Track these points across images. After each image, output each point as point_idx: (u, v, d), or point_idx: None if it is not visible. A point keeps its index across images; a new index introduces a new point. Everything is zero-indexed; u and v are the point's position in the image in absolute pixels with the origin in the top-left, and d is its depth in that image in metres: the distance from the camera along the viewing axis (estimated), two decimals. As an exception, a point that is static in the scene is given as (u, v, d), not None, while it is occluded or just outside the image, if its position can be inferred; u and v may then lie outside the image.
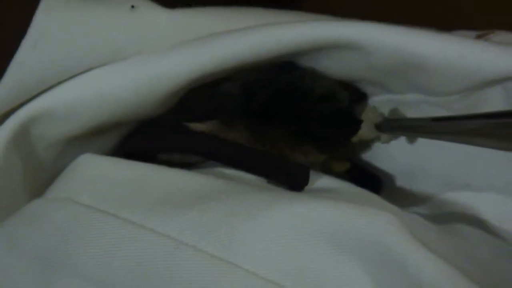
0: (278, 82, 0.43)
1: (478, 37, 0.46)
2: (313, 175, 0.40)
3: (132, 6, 0.39)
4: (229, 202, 0.33)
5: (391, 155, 0.50)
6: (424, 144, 0.47)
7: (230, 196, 0.34)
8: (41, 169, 0.41)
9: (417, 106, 0.46)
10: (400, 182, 0.50)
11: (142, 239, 0.31)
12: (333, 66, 0.44)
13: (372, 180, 0.50)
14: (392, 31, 0.39)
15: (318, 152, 0.45)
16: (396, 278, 0.30)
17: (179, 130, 0.43)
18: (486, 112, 0.35)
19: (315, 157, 0.45)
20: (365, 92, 0.48)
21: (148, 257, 0.30)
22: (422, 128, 0.41)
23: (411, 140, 0.48)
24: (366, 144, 0.50)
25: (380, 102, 0.48)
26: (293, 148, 0.44)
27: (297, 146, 0.44)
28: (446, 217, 0.45)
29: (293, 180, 0.40)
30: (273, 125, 0.44)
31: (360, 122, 0.45)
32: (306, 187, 0.39)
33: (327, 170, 0.46)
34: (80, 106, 0.39)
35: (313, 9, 0.45)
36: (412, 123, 0.43)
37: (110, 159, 0.38)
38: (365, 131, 0.44)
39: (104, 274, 0.30)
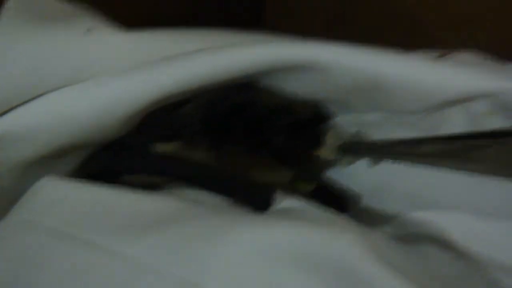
0: (236, 99, 0.43)
1: (439, 56, 0.46)
2: (278, 195, 0.40)
3: (88, 29, 0.39)
4: (192, 225, 0.33)
5: (357, 174, 0.50)
6: (389, 163, 0.47)
7: (194, 218, 0.34)
8: (1, 193, 0.40)
9: (381, 125, 0.46)
10: (367, 201, 0.50)
11: (104, 262, 0.31)
12: (295, 86, 0.44)
13: (338, 200, 0.50)
14: (352, 52, 0.39)
15: (283, 170, 0.45)
16: None
17: (142, 151, 0.43)
18: (444, 135, 0.35)
19: (281, 176, 0.45)
20: (327, 113, 0.48)
21: (112, 281, 0.30)
22: (384, 151, 0.40)
23: (373, 162, 0.48)
24: (331, 164, 0.49)
25: (344, 122, 0.48)
26: (258, 166, 0.44)
27: (261, 163, 0.44)
28: (413, 237, 0.44)
29: (257, 201, 0.39)
30: (235, 142, 0.43)
31: (318, 136, 0.45)
32: (271, 208, 0.39)
33: (293, 190, 0.45)
34: (39, 129, 0.38)
35: (275, 30, 0.45)
36: (373, 145, 0.43)
37: (72, 181, 0.38)
38: (326, 151, 0.44)
39: None
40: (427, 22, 0.58)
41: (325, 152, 0.44)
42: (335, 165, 0.50)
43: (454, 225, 0.43)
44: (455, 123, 0.41)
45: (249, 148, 0.44)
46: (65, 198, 0.36)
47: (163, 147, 0.42)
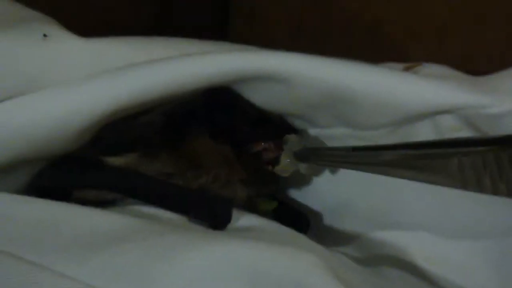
0: (196, 101, 0.42)
1: (406, 69, 0.46)
2: (236, 213, 0.39)
3: (44, 35, 0.37)
4: (145, 244, 0.32)
5: (318, 192, 0.49)
6: (350, 181, 0.46)
7: (146, 237, 0.33)
8: None
9: (344, 141, 0.45)
10: (328, 220, 0.49)
11: (49, 283, 0.29)
12: (258, 98, 0.43)
13: (299, 219, 0.49)
14: (316, 63, 0.39)
15: (239, 185, 0.44)
16: None
17: (94, 166, 0.41)
18: (405, 142, 0.35)
19: (238, 191, 0.44)
20: (295, 128, 0.47)
21: None
22: (342, 158, 0.39)
23: (332, 171, 0.47)
24: (291, 179, 0.48)
25: (307, 136, 0.47)
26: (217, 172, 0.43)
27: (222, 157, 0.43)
28: (374, 257, 0.44)
29: (214, 217, 0.38)
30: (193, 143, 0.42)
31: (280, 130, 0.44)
32: (229, 226, 0.38)
33: (253, 209, 0.44)
34: None
35: (239, 38, 0.44)
36: (332, 152, 0.42)
37: (18, 198, 0.36)
38: (286, 161, 0.42)
39: None
40: (394, 33, 0.58)
41: (283, 161, 0.43)
42: (296, 179, 0.50)
43: (416, 245, 0.43)
44: (423, 137, 0.41)
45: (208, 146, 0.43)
46: (9, 216, 0.34)
47: (117, 160, 0.41)
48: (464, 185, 0.30)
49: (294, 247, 0.32)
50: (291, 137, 0.43)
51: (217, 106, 0.42)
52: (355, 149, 0.37)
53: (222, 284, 0.30)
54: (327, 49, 0.40)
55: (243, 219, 0.40)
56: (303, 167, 0.43)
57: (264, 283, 0.30)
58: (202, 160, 0.42)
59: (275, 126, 0.46)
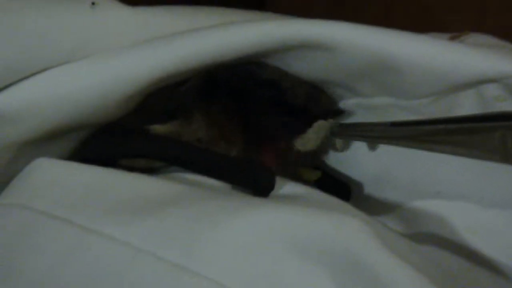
0: (239, 70, 0.42)
1: (451, 38, 0.45)
2: (279, 180, 0.39)
3: (93, 3, 0.38)
4: (191, 209, 0.32)
5: (358, 163, 0.49)
6: (391, 151, 0.46)
7: (192, 202, 0.33)
8: None
9: (386, 110, 0.45)
10: (368, 190, 0.49)
11: (98, 246, 0.30)
12: (302, 67, 0.43)
13: (341, 188, 0.49)
14: (363, 31, 0.38)
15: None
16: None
17: (140, 134, 0.42)
18: (445, 117, 0.34)
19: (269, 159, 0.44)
20: (342, 109, 0.47)
21: (104, 266, 0.29)
22: (380, 134, 0.39)
23: (371, 146, 0.47)
24: (327, 151, 0.48)
25: (348, 105, 0.47)
26: (245, 141, 0.43)
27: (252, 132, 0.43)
28: (416, 226, 0.44)
29: (258, 185, 0.39)
30: (225, 110, 0.42)
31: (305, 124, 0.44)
32: (272, 193, 0.38)
33: (297, 177, 0.44)
34: (34, 109, 0.36)
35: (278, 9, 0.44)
36: (369, 128, 0.42)
37: (66, 163, 0.37)
38: (310, 138, 0.42)
39: (56, 283, 0.29)
40: (434, 5, 0.57)
41: (307, 137, 0.42)
42: (336, 151, 0.50)
43: (457, 215, 0.43)
44: (467, 107, 0.40)
45: (232, 116, 0.43)
46: (58, 181, 0.35)
47: (162, 129, 0.41)
48: (506, 159, 0.30)
49: (340, 213, 0.32)
50: (322, 121, 0.43)
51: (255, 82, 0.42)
52: (394, 124, 0.37)
53: (268, 250, 0.30)
54: (366, 21, 0.40)
55: (286, 187, 0.40)
56: (339, 143, 0.43)
57: (311, 249, 0.30)
58: (230, 135, 0.43)
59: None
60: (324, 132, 0.43)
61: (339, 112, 0.46)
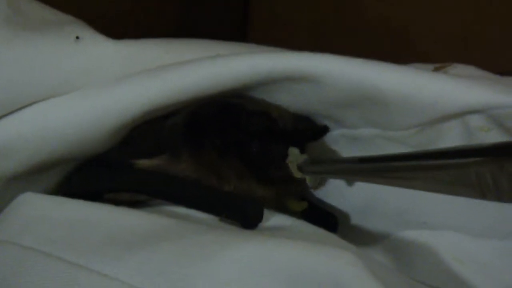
0: (219, 102, 0.42)
1: (436, 69, 0.46)
2: (266, 213, 0.39)
3: (77, 37, 0.38)
4: (181, 243, 0.32)
5: (344, 193, 0.49)
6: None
7: (182, 236, 0.33)
8: None
9: (372, 141, 0.45)
10: (355, 220, 0.49)
11: (87, 282, 0.29)
12: (287, 99, 0.43)
13: (328, 219, 0.48)
14: (347, 63, 0.39)
15: (268, 184, 0.43)
16: None
17: (125, 168, 0.41)
18: (417, 152, 0.33)
19: (266, 191, 0.43)
20: (326, 125, 0.46)
21: None
22: (350, 170, 0.39)
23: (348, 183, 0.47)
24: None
25: (334, 137, 0.47)
26: (239, 175, 0.42)
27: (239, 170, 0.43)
28: (403, 256, 0.44)
29: (246, 217, 0.38)
30: (215, 148, 0.42)
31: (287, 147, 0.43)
32: (260, 225, 0.38)
33: (283, 209, 0.44)
34: (20, 143, 0.37)
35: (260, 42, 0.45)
36: (338, 164, 0.41)
37: (53, 198, 0.36)
38: (293, 170, 0.42)
39: None
40: (419, 36, 0.58)
41: (290, 169, 0.42)
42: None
43: (445, 245, 0.43)
44: (452, 137, 0.41)
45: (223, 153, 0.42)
46: (44, 216, 0.34)
47: (148, 163, 0.41)
48: (483, 195, 0.30)
49: (330, 246, 0.32)
50: (294, 150, 0.42)
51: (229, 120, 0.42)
52: (362, 159, 0.36)
53: (260, 283, 0.30)
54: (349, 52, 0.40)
55: (274, 219, 0.40)
56: (308, 179, 0.42)
57: (301, 282, 0.30)
58: (222, 172, 0.43)
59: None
60: (298, 160, 0.42)
61: (326, 129, 0.46)
